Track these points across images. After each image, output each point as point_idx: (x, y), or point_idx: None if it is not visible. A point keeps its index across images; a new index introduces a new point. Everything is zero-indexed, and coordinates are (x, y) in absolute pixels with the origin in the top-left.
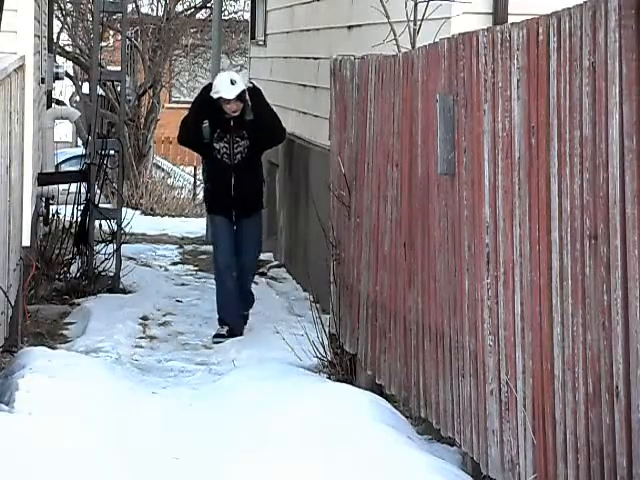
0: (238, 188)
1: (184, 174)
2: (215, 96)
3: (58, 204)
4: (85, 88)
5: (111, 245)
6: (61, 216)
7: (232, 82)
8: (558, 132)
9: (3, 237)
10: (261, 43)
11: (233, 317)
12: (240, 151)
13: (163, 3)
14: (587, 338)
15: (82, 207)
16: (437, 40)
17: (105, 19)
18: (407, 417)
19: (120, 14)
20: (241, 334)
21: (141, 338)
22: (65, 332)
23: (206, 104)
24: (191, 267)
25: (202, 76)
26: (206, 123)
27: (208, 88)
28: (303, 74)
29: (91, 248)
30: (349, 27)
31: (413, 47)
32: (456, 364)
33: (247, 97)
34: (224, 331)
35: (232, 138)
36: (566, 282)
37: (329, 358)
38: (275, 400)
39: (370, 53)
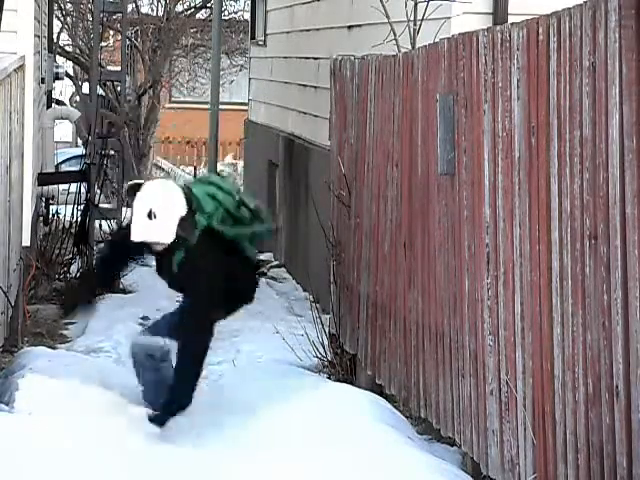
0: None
1: (184, 174)
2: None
3: (58, 204)
4: (85, 88)
5: None
6: (61, 216)
7: (150, 215)
8: (558, 132)
9: (3, 237)
10: (261, 43)
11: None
12: (178, 282)
13: (163, 3)
14: (587, 338)
15: (82, 207)
16: (437, 40)
17: (105, 19)
18: (407, 417)
19: (120, 14)
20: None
21: None
22: (65, 332)
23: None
24: None
25: (202, 76)
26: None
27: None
28: (303, 74)
29: (91, 248)
30: (349, 27)
31: (413, 47)
32: (456, 364)
33: (180, 233)
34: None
35: (167, 273)
36: (566, 282)
37: (329, 358)
38: (275, 400)
39: (370, 53)
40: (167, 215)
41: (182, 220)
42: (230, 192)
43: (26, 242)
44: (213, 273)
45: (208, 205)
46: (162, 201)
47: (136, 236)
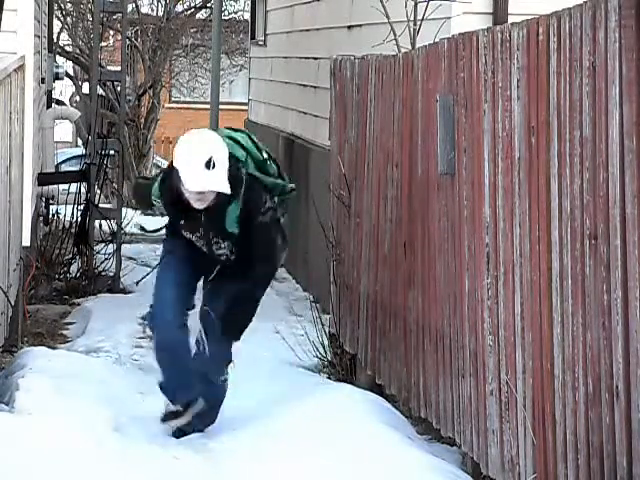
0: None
1: None
2: (180, 175)
3: (58, 204)
4: (85, 88)
5: (111, 245)
6: (61, 216)
7: (208, 164)
8: (558, 132)
9: (3, 237)
10: (261, 43)
11: (190, 395)
12: (224, 253)
13: (163, 3)
14: (587, 338)
15: (82, 207)
16: (437, 40)
17: (105, 19)
18: (407, 417)
19: (120, 14)
20: (210, 423)
21: (141, 338)
22: (65, 332)
23: (166, 186)
24: None
25: (202, 76)
26: (158, 202)
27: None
28: (303, 74)
29: (91, 248)
30: (349, 27)
31: (413, 47)
32: (456, 364)
33: (227, 186)
34: (176, 407)
35: (207, 236)
36: (566, 282)
37: (329, 358)
38: (275, 400)
39: (370, 53)
40: (224, 164)
41: (230, 168)
42: (255, 143)
43: (26, 242)
44: (276, 225)
45: (237, 152)
46: (219, 149)
47: (195, 186)
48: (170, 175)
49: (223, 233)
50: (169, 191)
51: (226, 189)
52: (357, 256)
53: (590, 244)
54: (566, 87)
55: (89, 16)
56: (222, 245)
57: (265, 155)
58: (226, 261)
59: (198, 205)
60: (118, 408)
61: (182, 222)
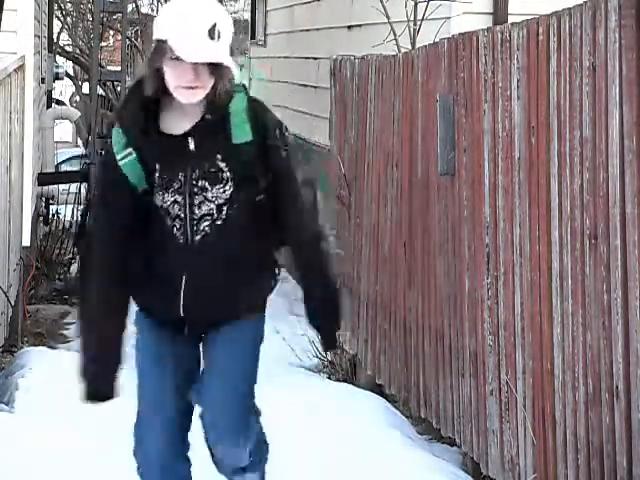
0: (197, 300)
1: None
2: (168, 40)
3: (58, 204)
4: (85, 88)
5: None
6: (61, 216)
7: (212, 33)
8: (558, 132)
9: (3, 237)
10: (261, 43)
11: None
12: (209, 212)
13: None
14: (587, 338)
15: (82, 207)
16: (437, 40)
17: (105, 19)
18: (407, 417)
19: (120, 14)
20: None
21: None
22: (65, 332)
23: (133, 112)
24: None
25: None
26: (131, 155)
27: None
28: (303, 74)
29: None
30: (349, 27)
31: (413, 47)
32: (456, 364)
33: (232, 77)
34: None
35: (190, 177)
36: (566, 282)
37: (329, 358)
38: (275, 400)
39: (370, 53)
40: (228, 38)
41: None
42: None
43: (26, 242)
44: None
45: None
46: (224, 17)
47: (194, 56)
48: (135, 90)
49: (214, 159)
50: (140, 110)
51: (231, 63)
52: (357, 256)
53: (590, 244)
54: (566, 87)
55: (89, 16)
56: (210, 192)
57: None
58: (218, 242)
59: (189, 97)
60: (118, 408)
61: (157, 171)
